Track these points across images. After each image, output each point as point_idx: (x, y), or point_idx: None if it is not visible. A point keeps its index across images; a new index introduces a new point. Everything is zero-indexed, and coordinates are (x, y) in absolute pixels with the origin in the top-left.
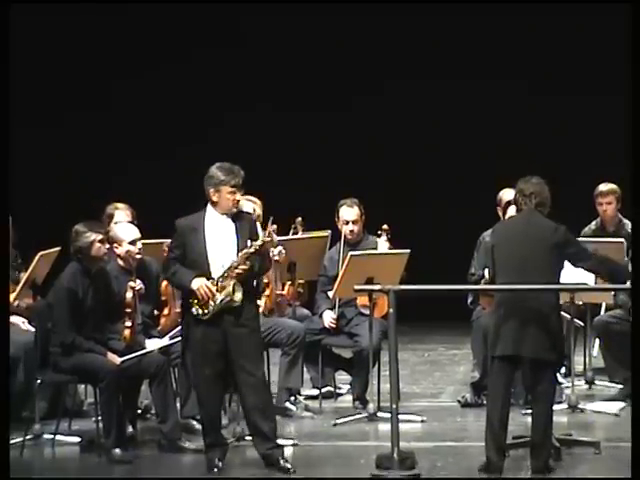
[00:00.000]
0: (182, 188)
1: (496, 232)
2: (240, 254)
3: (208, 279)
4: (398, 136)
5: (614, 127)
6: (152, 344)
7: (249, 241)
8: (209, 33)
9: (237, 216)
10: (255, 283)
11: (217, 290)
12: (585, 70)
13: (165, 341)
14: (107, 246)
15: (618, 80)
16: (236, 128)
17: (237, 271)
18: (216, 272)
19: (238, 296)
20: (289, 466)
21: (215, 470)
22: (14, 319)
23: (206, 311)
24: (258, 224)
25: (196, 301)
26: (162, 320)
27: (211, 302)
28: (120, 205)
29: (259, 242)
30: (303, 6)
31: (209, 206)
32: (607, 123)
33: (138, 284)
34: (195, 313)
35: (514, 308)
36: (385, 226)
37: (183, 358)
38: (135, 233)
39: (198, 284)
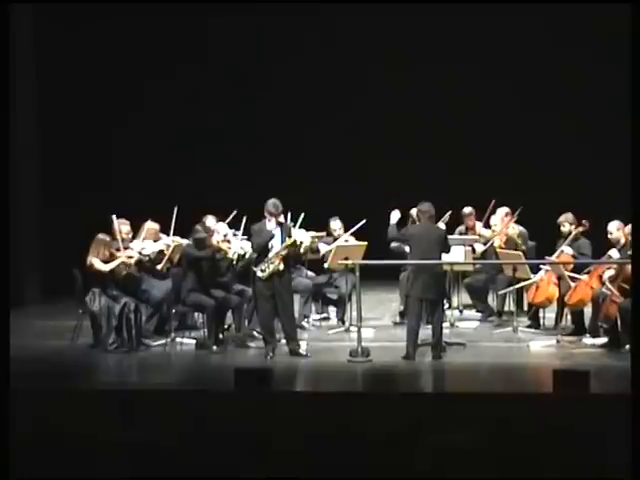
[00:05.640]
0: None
1: (410, 231)
2: (282, 246)
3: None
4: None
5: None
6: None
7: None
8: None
9: (282, 225)
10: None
11: (271, 263)
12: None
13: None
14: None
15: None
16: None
17: (280, 255)
18: (271, 254)
19: (281, 267)
20: (305, 353)
21: (268, 357)
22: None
23: (264, 274)
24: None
25: (260, 267)
26: None
27: (267, 269)
28: (209, 215)
29: (289, 242)
30: None
31: (267, 219)
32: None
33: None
34: (259, 274)
35: (420, 272)
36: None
37: (253, 296)
38: (225, 229)
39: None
